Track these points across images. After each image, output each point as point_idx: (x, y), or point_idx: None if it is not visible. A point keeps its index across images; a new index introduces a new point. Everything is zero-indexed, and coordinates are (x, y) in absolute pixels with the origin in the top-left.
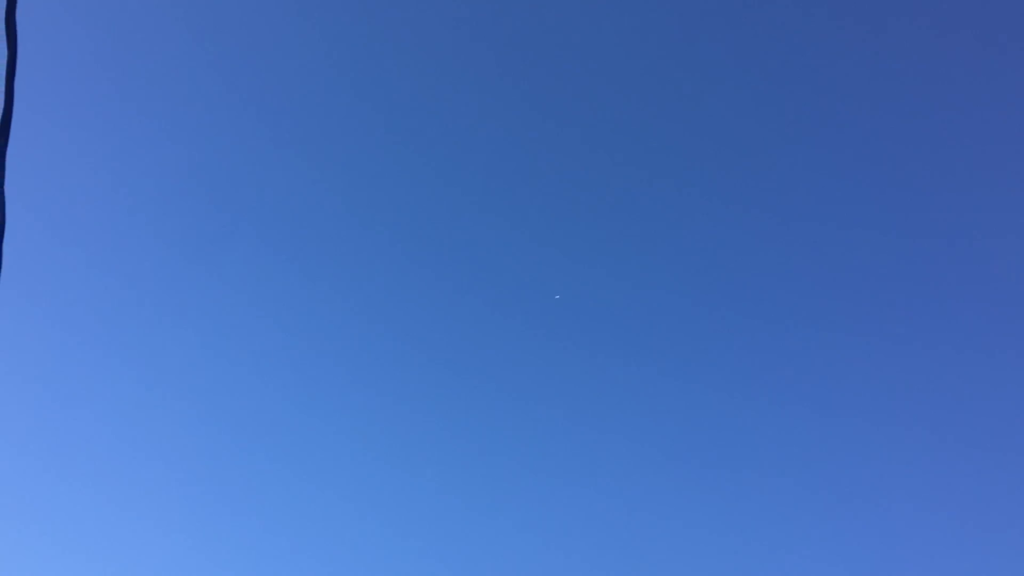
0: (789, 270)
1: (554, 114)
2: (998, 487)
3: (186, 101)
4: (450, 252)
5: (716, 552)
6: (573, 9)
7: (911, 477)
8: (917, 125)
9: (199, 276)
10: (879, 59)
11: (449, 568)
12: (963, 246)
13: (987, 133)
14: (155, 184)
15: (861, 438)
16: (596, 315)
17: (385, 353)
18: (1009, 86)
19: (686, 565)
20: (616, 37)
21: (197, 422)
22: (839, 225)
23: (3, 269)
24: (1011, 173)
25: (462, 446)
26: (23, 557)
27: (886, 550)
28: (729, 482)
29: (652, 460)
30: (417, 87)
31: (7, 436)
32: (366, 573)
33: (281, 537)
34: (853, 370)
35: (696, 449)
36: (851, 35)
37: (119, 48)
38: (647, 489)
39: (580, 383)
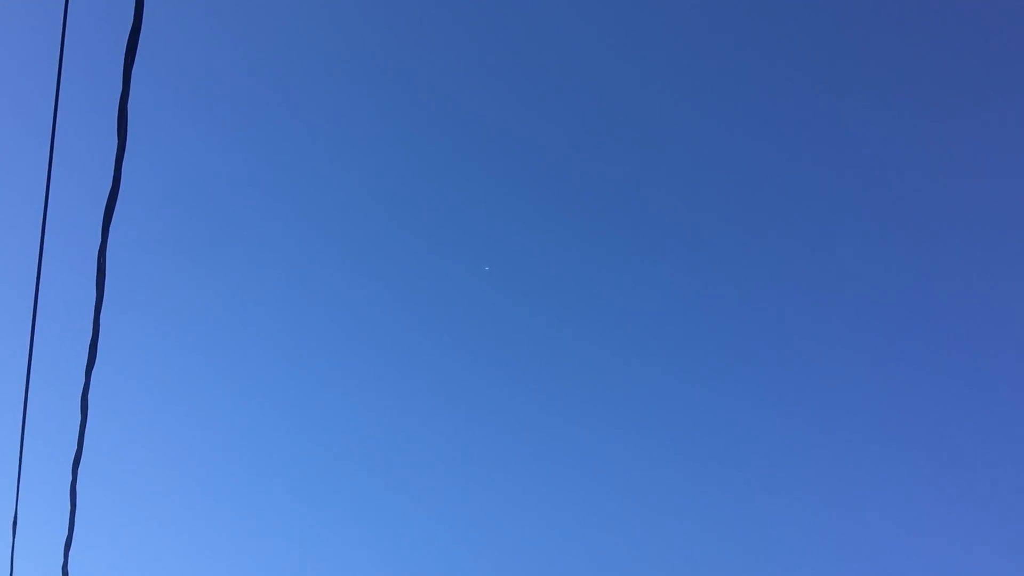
0: (793, 275)
1: (562, 118)
2: (993, 491)
3: (185, 100)
4: (459, 253)
5: (714, 550)
6: (581, 12)
7: (910, 480)
8: (918, 132)
9: (195, 276)
10: (881, 67)
11: (452, 566)
12: (962, 256)
13: (989, 137)
14: (156, 181)
15: (861, 439)
16: (602, 316)
17: (390, 350)
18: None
19: (684, 563)
20: (626, 45)
21: (196, 424)
22: (841, 229)
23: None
24: (1011, 181)
25: (467, 444)
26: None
27: (882, 551)
28: (730, 482)
29: (655, 459)
30: (424, 89)
31: (7, 436)
32: (365, 571)
33: (278, 534)
34: (854, 372)
35: (699, 449)
36: (852, 41)
37: (114, 48)
38: (649, 488)
39: (585, 383)
